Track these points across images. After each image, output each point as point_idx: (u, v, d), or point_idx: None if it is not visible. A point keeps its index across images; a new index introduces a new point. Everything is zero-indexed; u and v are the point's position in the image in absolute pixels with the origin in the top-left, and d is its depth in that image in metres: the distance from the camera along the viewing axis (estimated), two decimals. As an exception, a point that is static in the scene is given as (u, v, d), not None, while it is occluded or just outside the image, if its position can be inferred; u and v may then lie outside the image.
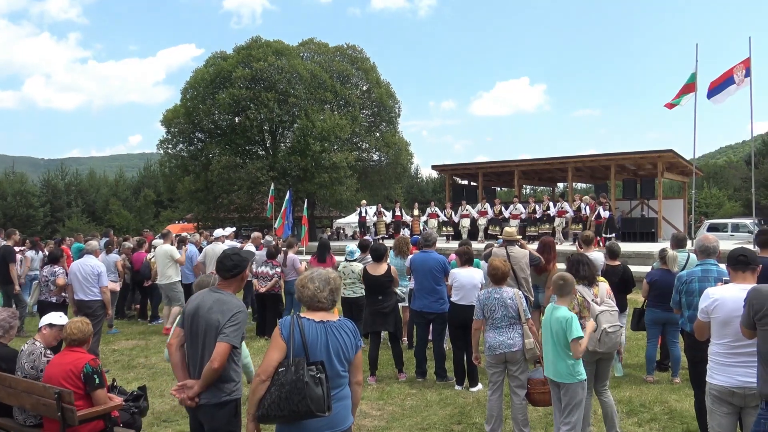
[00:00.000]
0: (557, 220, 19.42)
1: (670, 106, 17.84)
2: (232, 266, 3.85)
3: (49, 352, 4.76)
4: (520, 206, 20.70)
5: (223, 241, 11.15)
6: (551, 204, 19.99)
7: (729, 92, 16.71)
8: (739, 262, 3.97)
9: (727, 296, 3.84)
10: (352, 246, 9.18)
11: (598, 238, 17.03)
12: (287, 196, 21.52)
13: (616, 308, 5.36)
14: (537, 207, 20.17)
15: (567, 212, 19.27)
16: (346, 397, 3.30)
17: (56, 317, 4.98)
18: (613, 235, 18.33)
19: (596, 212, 18.24)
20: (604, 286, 5.44)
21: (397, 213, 22.58)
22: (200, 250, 11.86)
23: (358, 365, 3.40)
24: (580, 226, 18.32)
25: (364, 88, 32.99)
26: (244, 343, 4.59)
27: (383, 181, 33.86)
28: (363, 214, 23.57)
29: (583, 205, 18.89)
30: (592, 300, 5.20)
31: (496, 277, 5.56)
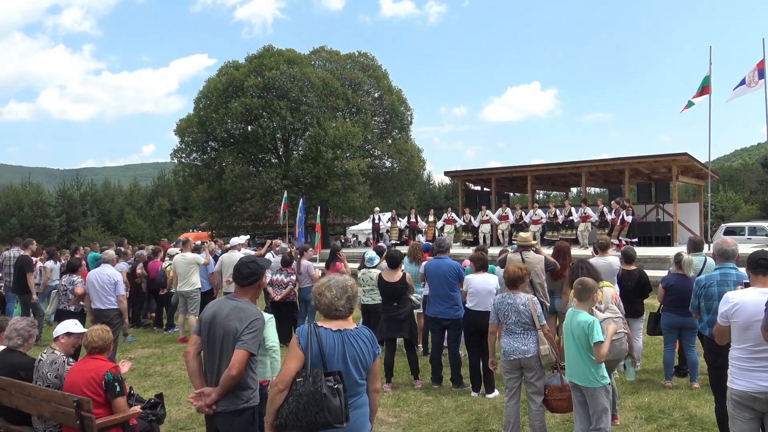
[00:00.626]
0: (581, 225, 19.35)
1: (684, 107, 17.78)
2: (248, 274, 3.86)
3: (71, 360, 4.79)
4: (540, 211, 20.74)
5: (239, 249, 11.19)
6: (573, 209, 19.94)
7: (739, 92, 16.63)
8: (759, 265, 3.93)
9: (748, 300, 3.80)
10: (372, 253, 9.17)
11: (624, 242, 16.99)
12: (300, 204, 21.61)
13: (620, 315, 5.26)
14: (558, 212, 20.13)
15: (590, 217, 19.19)
16: (363, 404, 3.29)
17: (72, 325, 5.00)
18: (635, 240, 18.22)
19: (620, 216, 18.12)
20: (609, 291, 5.37)
21: (412, 219, 22.60)
22: (215, 258, 11.91)
23: (376, 373, 3.39)
24: (606, 230, 18.28)
25: (376, 95, 33.05)
26: (276, 338, 4.60)
27: (396, 188, 33.87)
28: (376, 221, 23.57)
29: (606, 210, 18.80)
30: (595, 307, 5.16)
31: (510, 282, 5.54)
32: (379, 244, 14.86)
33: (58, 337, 4.91)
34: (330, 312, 3.31)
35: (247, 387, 3.68)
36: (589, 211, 19.42)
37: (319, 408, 3.02)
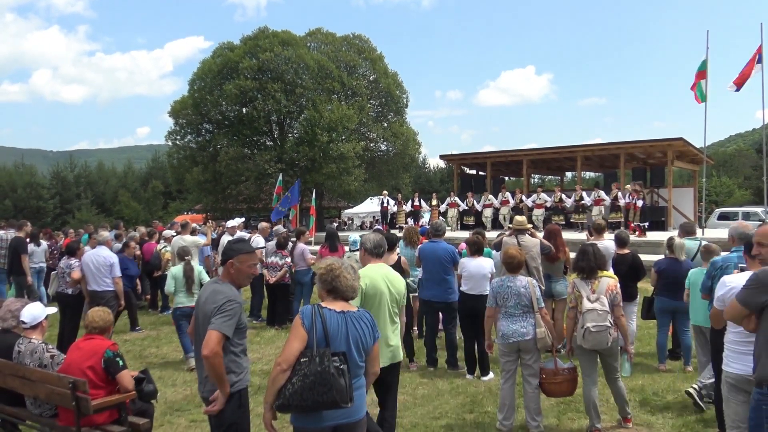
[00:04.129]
0: (595, 209, 19.33)
1: (698, 100, 17.60)
2: (222, 253, 4.01)
3: (51, 346, 4.74)
4: (544, 195, 20.77)
5: (233, 233, 11.14)
6: (584, 193, 19.90)
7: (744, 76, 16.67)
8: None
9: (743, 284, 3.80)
10: (355, 236, 9.19)
11: (640, 227, 17.07)
12: (295, 186, 21.51)
13: (607, 308, 5.18)
14: (564, 196, 20.12)
15: (604, 200, 19.15)
16: (362, 386, 3.32)
17: (40, 308, 4.88)
18: (647, 224, 18.16)
19: (634, 201, 17.97)
20: (606, 281, 5.26)
21: (416, 203, 22.60)
22: (214, 241, 11.86)
23: (376, 356, 3.41)
24: (618, 214, 18.26)
25: (372, 78, 32.82)
26: None
27: (391, 172, 33.76)
28: (385, 204, 23.45)
29: (621, 194, 18.76)
30: (587, 296, 5.15)
31: (511, 266, 5.54)
32: (377, 228, 14.83)
33: (37, 324, 4.75)
34: (348, 293, 3.34)
35: (229, 371, 3.63)
36: (602, 194, 19.36)
37: (327, 388, 3.02)
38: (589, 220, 19.26)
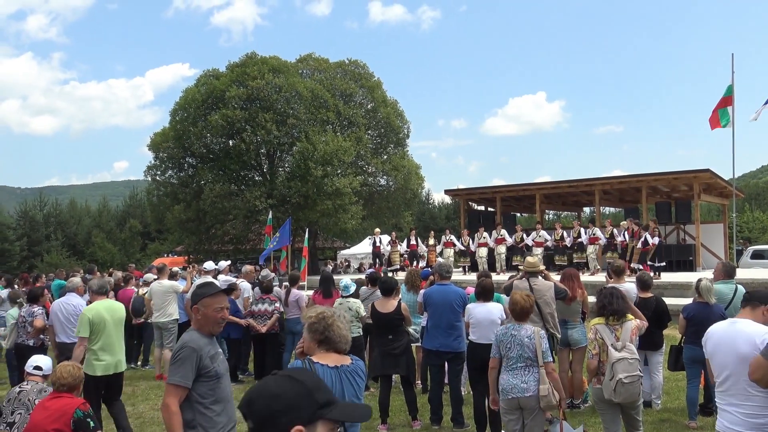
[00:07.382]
0: (590, 248, 19.29)
1: (717, 124, 17.68)
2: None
3: None
4: (544, 233, 20.47)
5: (215, 275, 11.14)
6: (582, 230, 19.88)
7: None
8: (744, 299, 4.09)
9: (715, 330, 3.90)
10: (347, 280, 9.17)
11: (641, 267, 16.88)
12: (285, 225, 21.48)
13: (636, 355, 5.20)
14: (565, 234, 20.01)
15: (600, 239, 19.11)
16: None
17: (46, 361, 5.09)
18: (663, 264, 18.00)
19: (642, 238, 17.85)
20: (628, 326, 5.30)
21: (413, 242, 22.41)
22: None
23: None
24: (614, 254, 18.13)
25: (369, 107, 33.14)
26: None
27: (391, 208, 33.79)
28: (377, 244, 23.18)
29: (616, 231, 18.72)
30: (612, 344, 5.14)
31: (517, 313, 5.52)
32: (369, 271, 14.75)
33: (49, 374, 5.00)
34: (340, 345, 3.31)
35: (193, 426, 3.64)
36: (598, 232, 19.32)
37: None
38: (591, 261, 19.21)
